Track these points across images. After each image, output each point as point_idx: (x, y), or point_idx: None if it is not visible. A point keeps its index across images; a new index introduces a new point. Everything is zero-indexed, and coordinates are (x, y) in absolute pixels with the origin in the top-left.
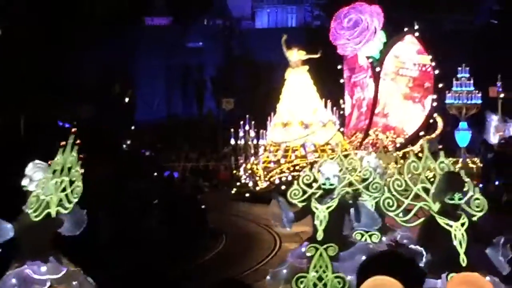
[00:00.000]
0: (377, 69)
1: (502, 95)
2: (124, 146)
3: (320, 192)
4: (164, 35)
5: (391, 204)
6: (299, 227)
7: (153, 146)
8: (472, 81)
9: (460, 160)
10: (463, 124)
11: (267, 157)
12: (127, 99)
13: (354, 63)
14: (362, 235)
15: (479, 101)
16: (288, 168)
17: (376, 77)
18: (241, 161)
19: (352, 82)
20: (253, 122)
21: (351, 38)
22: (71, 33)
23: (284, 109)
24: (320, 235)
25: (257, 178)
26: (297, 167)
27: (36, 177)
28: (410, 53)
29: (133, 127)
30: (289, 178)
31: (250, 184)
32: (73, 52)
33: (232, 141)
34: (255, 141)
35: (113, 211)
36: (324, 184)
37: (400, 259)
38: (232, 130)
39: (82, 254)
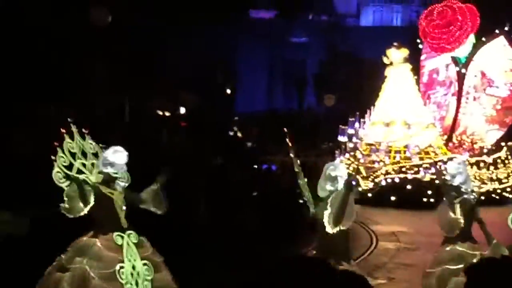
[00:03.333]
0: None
1: None
2: (230, 134)
3: None
4: (269, 28)
5: None
6: (396, 227)
7: (254, 138)
8: None
9: None
10: None
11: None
12: (228, 90)
13: (431, 76)
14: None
15: None
16: (394, 170)
17: (460, 89)
18: (340, 158)
19: (426, 99)
20: (362, 120)
21: (444, 38)
22: (177, 24)
23: (386, 108)
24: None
25: (360, 178)
26: (403, 169)
27: (118, 161)
28: (500, 68)
29: (236, 118)
30: (396, 180)
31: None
32: (180, 44)
33: (341, 138)
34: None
35: (214, 201)
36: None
37: None
38: (341, 126)
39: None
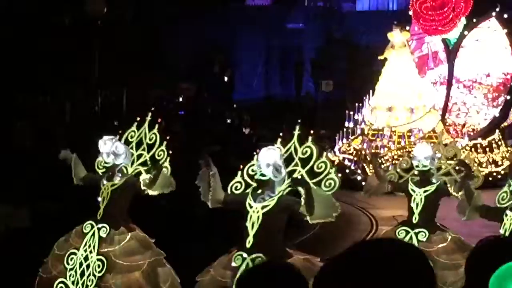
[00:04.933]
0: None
1: None
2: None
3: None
4: (265, 15)
5: (505, 197)
6: (395, 210)
7: (252, 125)
8: None
9: None
10: None
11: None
12: (226, 78)
13: (423, 64)
14: (407, 232)
15: None
16: (401, 155)
17: (451, 72)
18: (340, 144)
19: None
20: (360, 105)
21: (438, 19)
22: (172, 12)
23: (387, 92)
24: (249, 242)
25: (365, 164)
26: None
27: (120, 150)
28: (491, 54)
29: (235, 105)
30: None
31: (359, 170)
32: (174, 31)
33: (348, 124)
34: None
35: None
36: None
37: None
38: (347, 112)
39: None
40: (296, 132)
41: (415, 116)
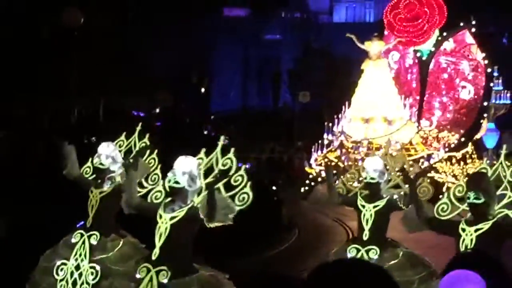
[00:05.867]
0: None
1: None
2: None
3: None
4: (242, 26)
5: (445, 209)
6: None
7: (229, 137)
8: (501, 80)
9: (487, 162)
10: (490, 125)
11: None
12: (203, 89)
13: (398, 75)
14: (358, 251)
15: (508, 102)
16: None
17: (424, 85)
18: (316, 156)
19: None
20: (337, 117)
21: (412, 31)
22: (149, 23)
23: (363, 103)
24: (155, 253)
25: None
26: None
27: (118, 159)
28: (463, 67)
29: (212, 117)
30: None
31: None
32: (153, 43)
33: (327, 136)
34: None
35: None
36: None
37: None
38: (326, 124)
39: None
40: (220, 143)
41: (393, 128)
